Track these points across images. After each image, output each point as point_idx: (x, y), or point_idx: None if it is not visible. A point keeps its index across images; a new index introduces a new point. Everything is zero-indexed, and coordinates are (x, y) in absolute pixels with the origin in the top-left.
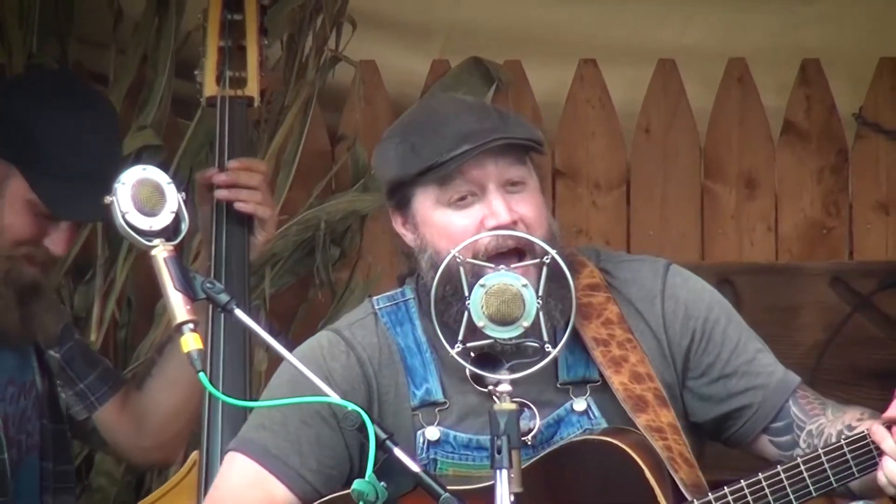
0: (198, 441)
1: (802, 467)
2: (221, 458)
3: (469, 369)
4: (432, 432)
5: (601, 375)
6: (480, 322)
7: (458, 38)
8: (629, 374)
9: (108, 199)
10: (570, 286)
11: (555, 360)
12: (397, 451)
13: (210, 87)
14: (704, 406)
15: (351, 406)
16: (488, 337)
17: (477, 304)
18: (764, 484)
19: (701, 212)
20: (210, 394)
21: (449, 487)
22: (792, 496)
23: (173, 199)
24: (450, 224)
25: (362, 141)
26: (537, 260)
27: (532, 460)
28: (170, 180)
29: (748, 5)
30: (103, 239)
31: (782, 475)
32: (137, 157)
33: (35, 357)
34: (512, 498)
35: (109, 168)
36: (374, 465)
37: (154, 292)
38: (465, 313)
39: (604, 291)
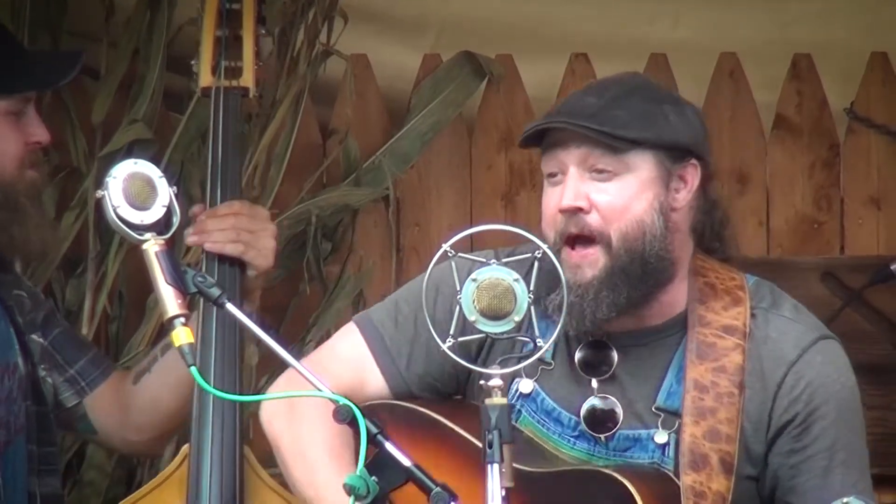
0: (188, 434)
1: None
2: (212, 453)
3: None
4: (527, 385)
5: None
6: (472, 316)
7: (450, 33)
8: (707, 429)
9: (99, 193)
10: (563, 286)
11: (660, 380)
12: (388, 446)
13: (205, 78)
14: (770, 482)
15: (342, 401)
16: (480, 331)
17: (468, 298)
18: None
19: None
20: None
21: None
22: None
23: (165, 192)
24: (544, 196)
25: (354, 135)
26: (528, 255)
27: (544, 472)
28: (161, 174)
29: (739, 0)
30: (95, 233)
31: None
32: (129, 151)
33: (16, 339)
34: (503, 493)
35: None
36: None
37: (145, 286)
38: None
39: (737, 338)
